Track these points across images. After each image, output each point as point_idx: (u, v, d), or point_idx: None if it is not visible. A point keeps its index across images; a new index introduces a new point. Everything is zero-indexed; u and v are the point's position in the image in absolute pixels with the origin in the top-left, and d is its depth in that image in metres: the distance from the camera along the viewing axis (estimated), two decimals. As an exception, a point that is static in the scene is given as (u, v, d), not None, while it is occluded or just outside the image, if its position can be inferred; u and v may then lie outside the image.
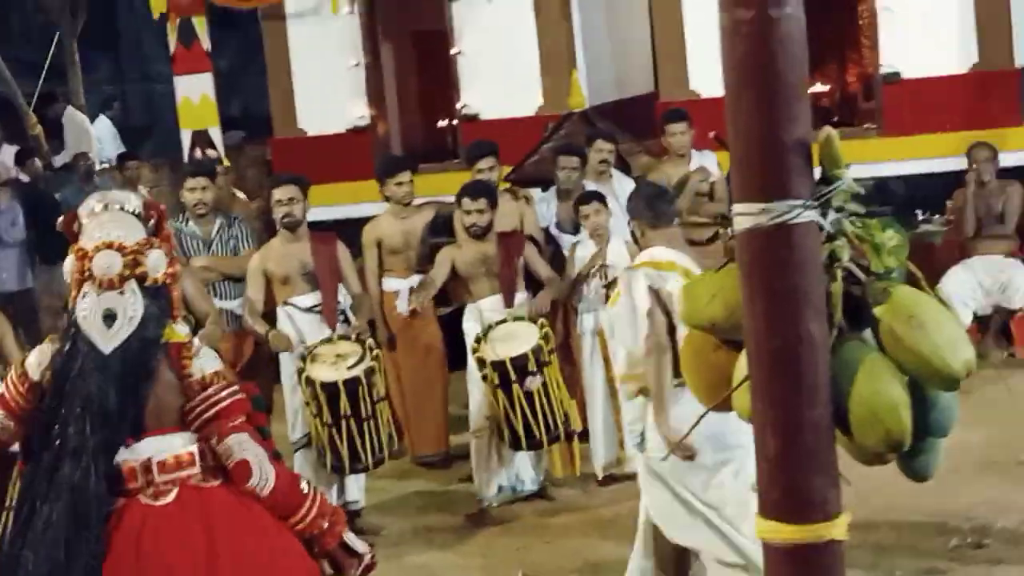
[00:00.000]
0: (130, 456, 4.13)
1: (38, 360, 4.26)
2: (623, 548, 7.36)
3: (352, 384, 7.68)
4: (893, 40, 11.72)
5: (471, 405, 8.44)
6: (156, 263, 4.23)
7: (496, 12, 12.46)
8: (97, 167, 14.32)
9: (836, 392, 3.02)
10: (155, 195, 14.09)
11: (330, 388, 7.67)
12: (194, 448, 4.20)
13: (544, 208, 9.59)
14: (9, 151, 15.18)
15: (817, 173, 3.07)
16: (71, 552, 3.93)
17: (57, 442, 4.06)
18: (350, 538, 4.41)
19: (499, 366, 7.87)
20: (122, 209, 4.30)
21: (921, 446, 3.17)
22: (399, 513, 8.59)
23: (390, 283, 9.42)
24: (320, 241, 8.45)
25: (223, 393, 4.24)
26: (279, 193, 8.29)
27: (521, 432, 7.93)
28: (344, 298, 8.45)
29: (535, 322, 8.13)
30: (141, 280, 4.19)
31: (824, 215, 3.01)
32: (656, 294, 5.69)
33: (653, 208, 6.02)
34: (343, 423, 7.70)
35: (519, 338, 8.02)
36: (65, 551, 3.93)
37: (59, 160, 15.46)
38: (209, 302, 8.00)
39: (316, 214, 12.70)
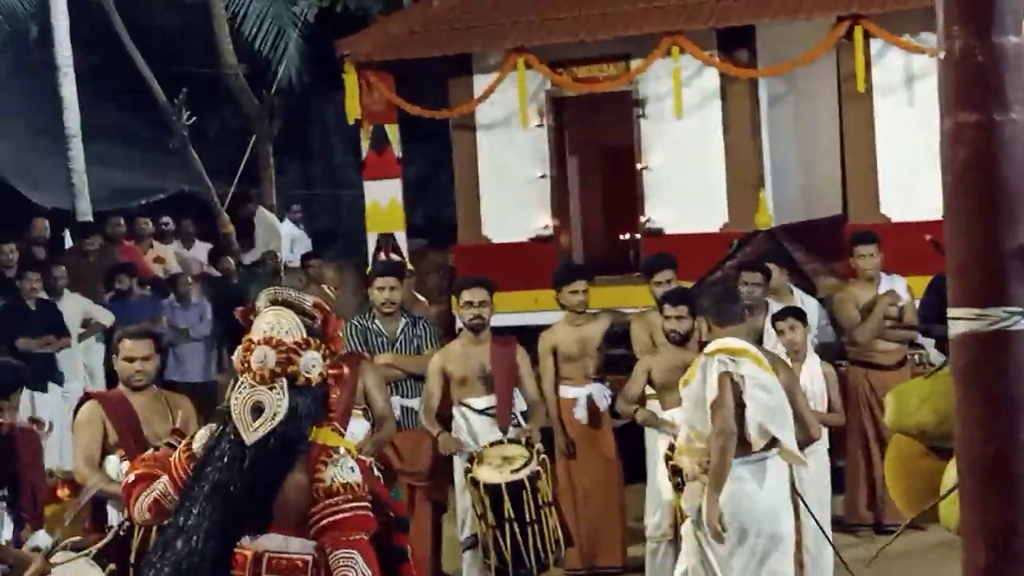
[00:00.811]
0: (247, 544, 4.15)
1: (201, 437, 4.34)
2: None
3: (516, 487, 7.67)
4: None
5: (653, 508, 8.31)
6: (310, 363, 4.24)
7: (684, 128, 12.50)
8: (283, 266, 14.68)
9: (1050, 506, 2.93)
10: (339, 295, 14.39)
11: (494, 490, 7.68)
12: (309, 557, 4.18)
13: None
14: (202, 248, 15.64)
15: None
16: None
17: (181, 519, 4.12)
18: None
19: (495, 489, 7.80)
20: (291, 306, 4.33)
21: None
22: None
23: (566, 390, 9.42)
24: (500, 344, 8.53)
25: (346, 504, 4.21)
26: (468, 295, 8.40)
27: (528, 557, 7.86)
28: (519, 402, 8.48)
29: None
30: (292, 378, 4.21)
31: (1043, 323, 2.95)
32: (729, 377, 6.29)
33: (719, 307, 6.68)
34: (506, 525, 7.69)
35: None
36: None
37: (248, 258, 15.88)
38: (387, 400, 8.07)
39: (497, 320, 12.91)
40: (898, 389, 3.27)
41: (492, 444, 8.04)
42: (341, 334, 4.53)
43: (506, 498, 7.65)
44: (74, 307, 12.42)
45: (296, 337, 4.25)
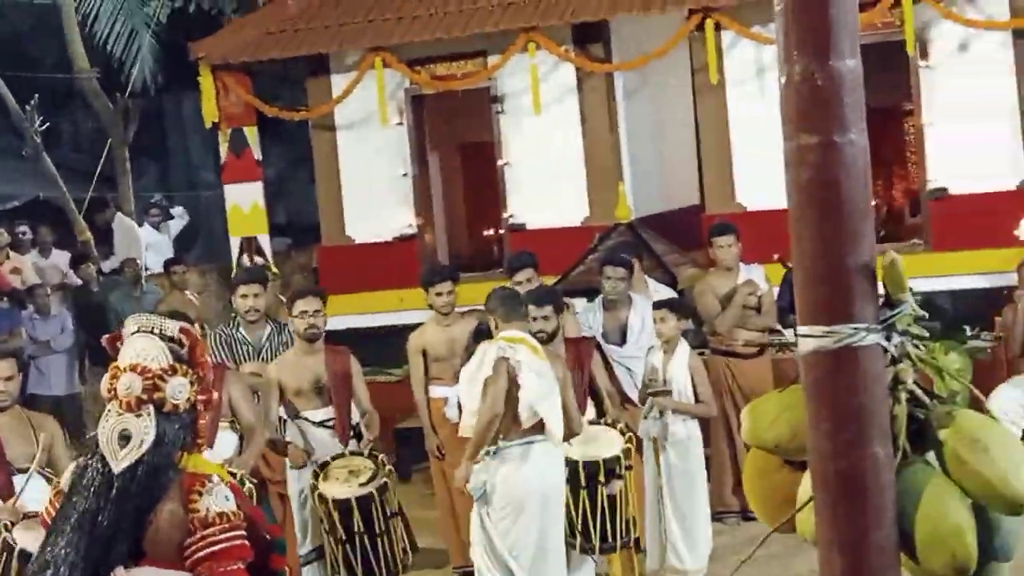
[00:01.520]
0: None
1: (70, 475, 4.30)
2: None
3: (365, 501, 7.63)
4: (939, 156, 11.78)
5: None
6: (176, 389, 4.19)
7: (543, 124, 12.59)
8: (144, 273, 14.47)
9: (901, 515, 3.02)
10: (202, 300, 14.25)
11: (343, 505, 7.63)
12: None
13: (591, 318, 9.61)
14: (60, 256, 15.36)
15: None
16: None
17: (48, 550, 4.07)
18: None
19: (590, 466, 7.82)
20: (156, 333, 4.28)
21: (985, 570, 3.17)
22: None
23: (436, 390, 9.41)
24: (334, 354, 8.42)
25: (222, 536, 4.16)
26: (304, 304, 8.27)
27: (596, 536, 7.87)
28: (355, 413, 8.42)
29: (614, 427, 8.10)
30: (160, 405, 4.17)
31: (888, 338, 3.04)
32: (506, 361, 7.20)
33: (504, 307, 7.55)
34: (356, 539, 7.65)
35: (603, 441, 7.98)
36: None
37: (108, 265, 15.63)
38: (253, 412, 7.97)
39: (362, 321, 12.92)
40: (752, 405, 3.35)
41: (335, 457, 7.98)
42: (209, 359, 4.47)
43: (356, 512, 7.61)
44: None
45: (163, 364, 4.19)
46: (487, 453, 7.32)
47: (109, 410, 4.17)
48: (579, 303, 9.93)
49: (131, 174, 17.68)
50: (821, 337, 2.96)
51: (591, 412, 8.38)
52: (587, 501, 7.84)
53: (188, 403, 4.21)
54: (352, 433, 8.29)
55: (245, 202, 13.67)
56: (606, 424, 8.16)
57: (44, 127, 16.94)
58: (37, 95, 16.93)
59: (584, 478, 7.82)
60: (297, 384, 8.27)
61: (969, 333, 11.09)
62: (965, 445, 3.09)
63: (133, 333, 4.28)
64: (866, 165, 3.01)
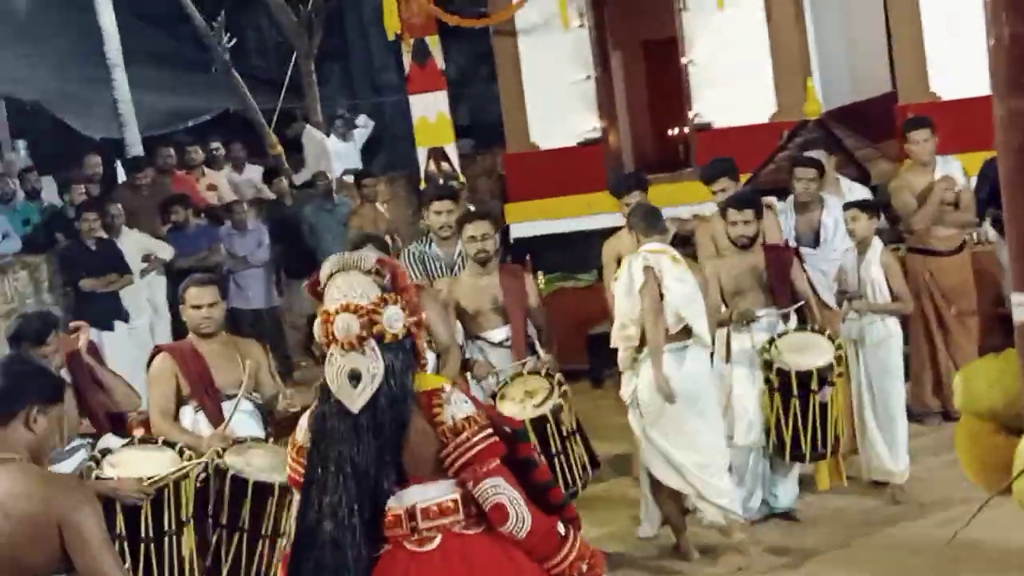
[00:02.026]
0: (395, 504, 4.23)
1: (302, 427, 4.40)
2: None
3: (540, 422, 7.63)
4: None
5: (740, 416, 8.30)
6: (392, 319, 4.24)
7: (727, 19, 12.40)
8: (335, 184, 14.67)
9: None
10: (391, 208, 14.42)
11: None
12: (456, 495, 4.26)
13: (783, 220, 9.47)
14: (253, 171, 15.66)
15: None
16: None
17: (318, 504, 4.19)
18: None
19: (802, 375, 7.82)
20: (357, 269, 4.33)
21: None
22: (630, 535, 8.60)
23: None
24: (510, 274, 8.44)
25: (476, 438, 4.25)
26: (472, 229, 8.25)
27: (807, 443, 7.88)
28: (532, 331, 8.45)
29: (823, 333, 8.05)
30: (380, 338, 4.22)
31: (1107, 303, 2.95)
32: (651, 270, 7.54)
33: (646, 222, 7.83)
34: None
35: (815, 348, 7.96)
36: None
37: (299, 179, 15.89)
38: (450, 329, 8.06)
39: (550, 227, 12.97)
40: (966, 372, 3.28)
41: (513, 377, 8.04)
42: (411, 282, 4.52)
43: (532, 433, 7.67)
44: (133, 244, 12.51)
45: (372, 298, 4.25)
46: (635, 360, 7.75)
47: (332, 353, 4.24)
48: (778, 203, 9.76)
49: (316, 84, 17.86)
50: (1037, 304, 2.88)
51: (793, 320, 8.33)
52: (798, 409, 7.83)
53: (405, 330, 4.26)
54: (530, 351, 8.35)
55: (431, 112, 13.76)
56: (812, 331, 8.10)
57: (231, 44, 17.18)
58: (223, 12, 17.17)
59: (796, 387, 7.81)
60: (475, 306, 8.32)
61: None
62: None
63: (333, 274, 4.32)
64: (1082, 126, 2.89)
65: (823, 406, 7.85)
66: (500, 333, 8.35)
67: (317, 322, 4.32)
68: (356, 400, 4.19)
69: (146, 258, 12.63)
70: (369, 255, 4.46)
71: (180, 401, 7.32)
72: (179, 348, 7.56)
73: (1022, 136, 2.90)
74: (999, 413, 3.16)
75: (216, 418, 7.15)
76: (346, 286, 4.26)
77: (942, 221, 9.79)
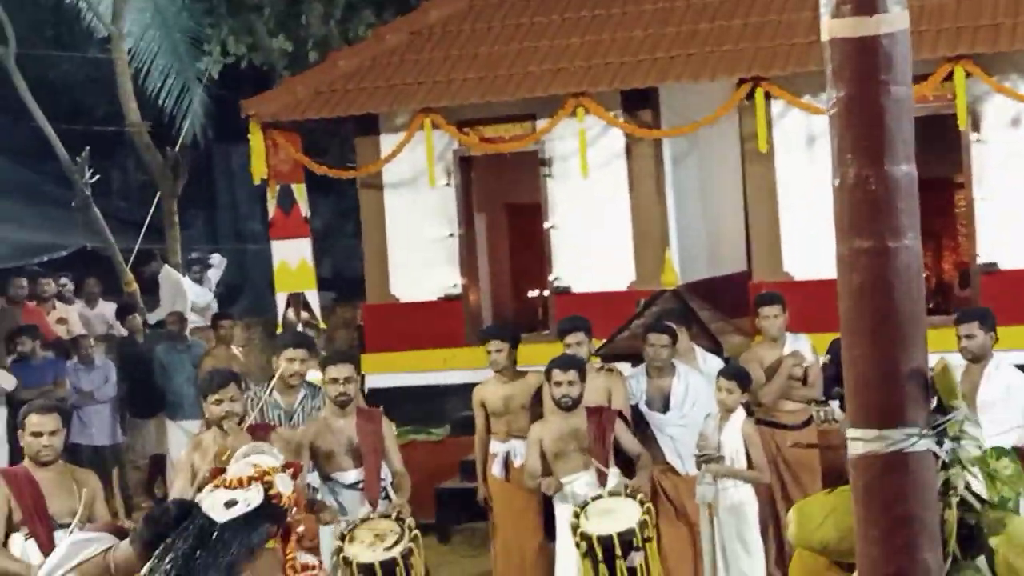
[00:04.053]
0: None
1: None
2: None
3: (389, 565, 7.60)
4: (990, 231, 11.72)
5: None
6: (283, 483, 4.47)
7: (591, 188, 12.62)
8: (189, 325, 14.53)
9: (950, 622, 3.00)
10: (245, 353, 14.29)
11: (367, 569, 7.61)
12: None
13: (634, 384, 9.60)
14: (106, 306, 15.48)
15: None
16: None
17: None
18: None
19: (605, 541, 7.82)
20: (270, 455, 4.64)
21: None
22: None
23: (491, 445, 9.64)
24: (366, 418, 8.46)
25: (320, 574, 4.35)
26: (335, 371, 8.32)
27: None
28: (386, 475, 8.44)
29: (634, 498, 8.10)
30: (267, 487, 4.40)
31: (940, 443, 3.01)
32: None
33: None
34: None
35: (621, 513, 7.99)
36: None
37: (153, 317, 15.72)
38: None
39: (406, 380, 12.95)
40: (799, 505, 3.33)
41: (363, 520, 7.99)
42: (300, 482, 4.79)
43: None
44: (-31, 374, 12.25)
45: (273, 464, 4.53)
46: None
47: (215, 487, 4.42)
48: (625, 368, 9.91)
49: (179, 226, 17.79)
50: (872, 441, 2.94)
51: (613, 480, 8.43)
52: (607, 574, 7.83)
53: (287, 501, 4.47)
54: (383, 495, 8.31)
55: (293, 258, 13.73)
56: (626, 495, 8.17)
57: (94, 180, 17.07)
58: (88, 148, 17.09)
59: (601, 551, 7.82)
60: (329, 446, 8.31)
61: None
62: (1016, 552, 3.06)
63: (244, 456, 4.60)
64: (919, 269, 2.99)
65: (631, 571, 7.85)
66: (353, 475, 8.32)
67: (204, 449, 4.50)
68: (224, 515, 4.32)
69: (-14, 386, 12.35)
70: (278, 455, 4.74)
71: (11, 528, 7.15)
72: (14, 473, 7.42)
73: (861, 276, 2.99)
74: (832, 548, 3.20)
75: (46, 546, 6.97)
76: (253, 457, 4.56)
77: (790, 395, 9.96)
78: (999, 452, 3.14)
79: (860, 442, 2.95)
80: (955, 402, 3.06)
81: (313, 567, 4.40)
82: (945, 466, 3.04)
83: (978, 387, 8.51)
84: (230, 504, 4.35)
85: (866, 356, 2.95)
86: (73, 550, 4.78)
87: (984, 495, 3.09)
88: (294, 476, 4.61)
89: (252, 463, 4.51)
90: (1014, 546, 3.06)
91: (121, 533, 4.74)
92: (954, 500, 3.06)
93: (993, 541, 3.08)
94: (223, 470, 4.57)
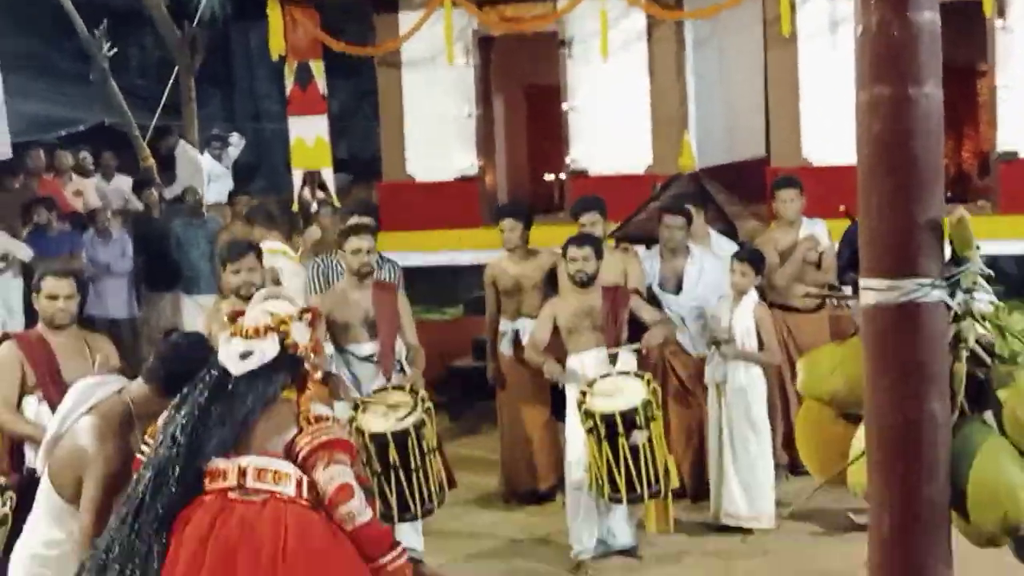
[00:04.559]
0: (225, 463, 4.19)
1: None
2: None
3: (401, 436, 7.66)
4: (1012, 119, 11.62)
5: (569, 457, 8.45)
6: (299, 332, 4.48)
7: (610, 70, 12.53)
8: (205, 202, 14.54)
9: (954, 472, 3.01)
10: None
11: (379, 439, 7.67)
12: (295, 473, 4.22)
13: (648, 266, 9.60)
14: (122, 180, 15.47)
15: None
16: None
17: (161, 438, 4.21)
18: None
19: (608, 419, 7.86)
20: (288, 300, 4.70)
21: (1038, 532, 3.14)
22: (487, 560, 8.61)
23: (501, 324, 9.69)
24: (382, 290, 8.47)
25: (335, 429, 4.38)
26: (358, 242, 8.31)
27: (623, 486, 7.92)
28: (401, 348, 8.48)
29: (641, 377, 8.14)
30: (283, 338, 4.43)
31: (952, 295, 3.01)
32: None
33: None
34: (392, 473, 7.69)
35: (626, 392, 8.02)
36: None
37: (169, 193, 15.72)
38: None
39: (419, 259, 12.96)
40: (810, 355, 3.33)
41: (376, 391, 8.04)
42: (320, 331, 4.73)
43: (392, 446, 7.66)
44: (-10, 242, 12.29)
45: (290, 311, 4.54)
46: None
47: (232, 338, 4.43)
48: (640, 251, 9.90)
49: (196, 103, 17.72)
50: (884, 291, 2.93)
51: (623, 361, 8.46)
52: (610, 453, 7.88)
53: (303, 347, 4.48)
54: (397, 368, 8.36)
55: (309, 135, 13.70)
56: (635, 375, 8.20)
57: (112, 53, 16.99)
58: (106, 21, 16.98)
59: (605, 430, 7.87)
60: (345, 318, 8.33)
61: (1033, 298, 11.01)
62: (1024, 406, 3.06)
63: (261, 301, 4.65)
64: (939, 120, 2.96)
65: (633, 449, 7.89)
66: (368, 347, 8.35)
67: (222, 318, 4.48)
68: (240, 367, 4.37)
69: (3, 258, 12.37)
70: (296, 302, 4.76)
71: (24, 391, 7.18)
72: (27, 337, 7.44)
73: (881, 123, 2.96)
74: (840, 399, 3.21)
75: (62, 409, 7.02)
76: (271, 303, 4.59)
77: (803, 279, 9.95)
78: (1012, 306, 3.13)
79: (872, 292, 2.95)
80: (969, 253, 3.05)
81: (327, 418, 4.36)
82: (957, 318, 3.04)
83: None
84: (245, 355, 4.36)
85: (882, 205, 2.94)
86: (86, 393, 4.81)
87: (995, 348, 3.10)
88: (311, 324, 4.57)
89: (268, 310, 4.49)
90: (1022, 399, 3.06)
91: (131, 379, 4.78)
92: (964, 353, 3.06)
93: (1001, 394, 3.09)
94: (240, 314, 4.56)
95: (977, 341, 3.09)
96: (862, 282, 2.97)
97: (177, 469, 4.13)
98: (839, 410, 3.28)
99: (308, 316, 4.58)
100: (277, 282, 9.77)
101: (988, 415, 3.13)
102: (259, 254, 7.98)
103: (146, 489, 4.12)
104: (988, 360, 3.13)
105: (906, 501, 2.96)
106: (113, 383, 4.81)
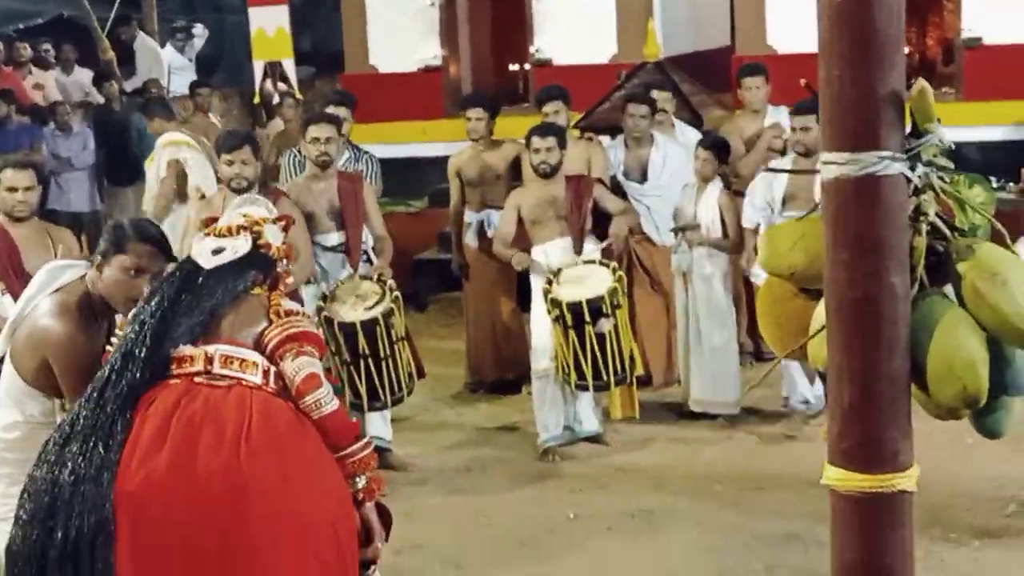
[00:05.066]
0: (193, 349, 4.19)
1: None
2: (675, 496, 7.46)
3: (370, 325, 7.68)
4: (976, 4, 11.58)
5: (534, 345, 8.49)
6: (272, 233, 4.48)
7: (574, -42, 12.41)
8: (168, 95, 14.38)
9: (914, 346, 3.01)
10: (225, 124, 14.18)
11: (348, 328, 7.68)
12: (262, 363, 4.21)
13: (612, 155, 9.58)
14: (82, 73, 15.27)
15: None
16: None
17: (129, 327, 4.22)
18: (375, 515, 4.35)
19: (574, 307, 7.89)
20: (263, 207, 4.66)
21: (996, 404, 3.17)
22: (454, 450, 8.66)
23: (466, 214, 9.71)
24: (347, 180, 8.42)
25: (304, 323, 4.35)
26: (316, 131, 8.23)
27: (589, 374, 7.96)
28: (368, 239, 8.46)
29: (607, 266, 8.15)
30: (256, 237, 4.43)
31: (912, 168, 2.99)
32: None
33: None
34: (361, 362, 7.72)
35: (592, 280, 8.04)
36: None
37: (130, 86, 15.53)
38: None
39: (384, 151, 12.87)
40: (770, 231, 3.33)
41: (344, 282, 8.04)
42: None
43: (361, 335, 7.68)
44: (-50, 136, 12.14)
45: (263, 215, 4.55)
46: None
47: (204, 236, 4.46)
48: (605, 141, 9.87)
49: (155, -6, 17.44)
50: (844, 164, 2.92)
51: (588, 250, 8.47)
52: (576, 341, 7.92)
53: (276, 251, 4.47)
54: (364, 258, 8.34)
55: (270, 25, 13.56)
56: (600, 263, 8.21)
57: (68, -58, 16.70)
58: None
59: (571, 318, 7.89)
60: (309, 209, 8.27)
61: (996, 184, 11.04)
62: (984, 278, 3.06)
63: (236, 207, 4.62)
64: (901, -8, 2.93)
65: (599, 337, 7.93)
66: (334, 237, 8.32)
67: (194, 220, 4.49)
68: (212, 261, 4.35)
69: (-38, 151, 12.24)
70: (271, 207, 4.73)
71: None
72: None
73: (843, -5, 2.93)
74: (799, 273, 3.21)
75: (24, 301, 6.98)
76: (244, 208, 4.58)
77: (769, 166, 9.92)
78: (972, 179, 3.12)
79: (833, 165, 2.93)
80: (930, 126, 3.03)
81: (297, 313, 4.35)
82: (917, 191, 3.03)
83: (813, 185, 8.06)
84: (217, 251, 4.36)
85: (843, 77, 2.91)
86: (52, 275, 4.79)
87: (954, 222, 3.10)
88: (285, 229, 4.58)
89: (243, 213, 4.49)
90: (981, 271, 3.06)
91: None
92: (924, 226, 3.06)
93: (961, 267, 3.08)
94: (215, 219, 4.55)
95: (937, 214, 3.09)
96: (822, 156, 2.95)
97: (144, 351, 4.12)
98: (799, 285, 3.28)
99: (282, 223, 4.59)
100: (183, 174, 9.85)
101: (948, 289, 3.14)
102: (255, 148, 7.88)
103: (112, 369, 4.11)
104: (948, 233, 3.13)
105: (866, 375, 2.97)
106: (80, 267, 4.78)
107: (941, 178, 3.10)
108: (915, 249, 3.05)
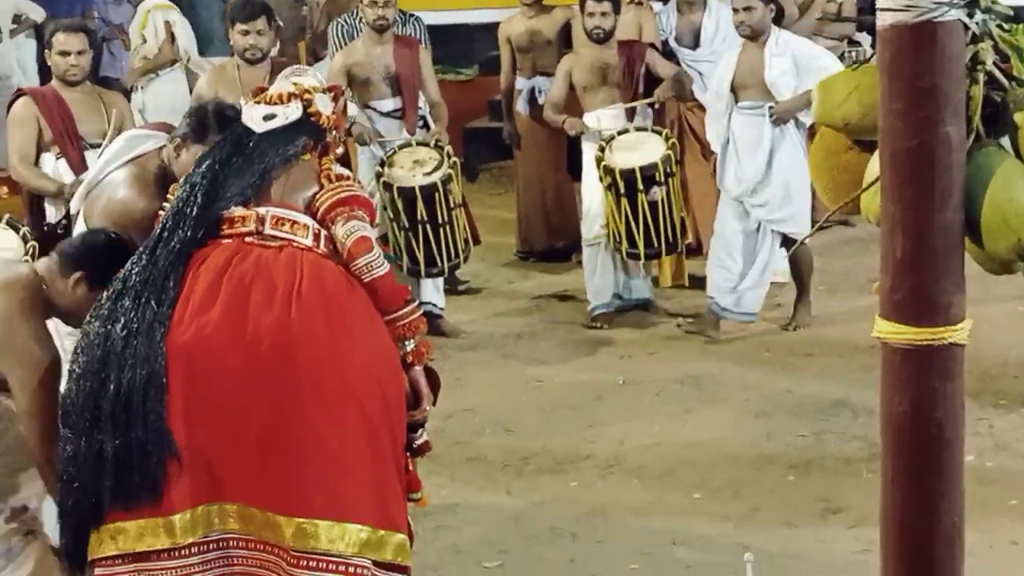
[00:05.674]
0: (244, 210, 4.21)
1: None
2: (723, 362, 7.49)
3: (429, 190, 7.71)
4: None
5: (585, 212, 8.48)
6: (323, 102, 4.44)
7: None
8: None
9: (968, 198, 2.97)
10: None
11: (407, 193, 7.71)
12: (313, 225, 4.22)
13: (664, 21, 9.47)
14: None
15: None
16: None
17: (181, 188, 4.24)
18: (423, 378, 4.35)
19: (627, 174, 7.86)
20: (313, 77, 4.61)
21: (1050, 258, 3.13)
22: (505, 317, 8.71)
23: (517, 81, 9.65)
24: (403, 45, 8.39)
25: (355, 187, 4.38)
26: None
27: (641, 242, 7.96)
28: (424, 104, 8.44)
29: (660, 133, 8.11)
30: (307, 105, 4.41)
31: (971, 15, 2.93)
32: None
33: None
34: (419, 228, 7.76)
35: (645, 148, 8.00)
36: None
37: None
38: None
39: (435, 18, 12.75)
40: (824, 82, 3.26)
41: (401, 147, 8.03)
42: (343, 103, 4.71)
43: (419, 201, 7.69)
44: (4, 3, 12.13)
45: (315, 83, 4.50)
46: None
47: (255, 103, 4.45)
48: (656, 4, 9.74)
49: None
50: (900, 11, 2.85)
51: (640, 117, 8.42)
52: (628, 208, 7.89)
53: (327, 118, 4.44)
54: (420, 124, 8.33)
55: None
56: (652, 130, 8.16)
57: None
58: None
59: (623, 186, 7.86)
60: (366, 74, 8.28)
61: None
62: (1041, 129, 3.01)
63: (286, 77, 4.58)
64: None
65: (652, 205, 7.90)
66: (390, 103, 8.34)
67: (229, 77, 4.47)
68: (263, 126, 4.35)
69: (16, 19, 12.25)
70: (322, 78, 4.71)
71: (41, 147, 7.22)
72: (42, 92, 7.48)
73: None
74: (854, 124, 3.16)
75: (78, 165, 7.06)
76: (296, 77, 4.53)
77: (822, 31, 9.81)
78: (1031, 28, 3.06)
79: (889, 12, 2.88)
80: (989, -26, 2.97)
81: (348, 178, 4.36)
82: (974, 39, 2.97)
83: (762, 68, 7.89)
84: (268, 117, 4.37)
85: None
86: (130, 144, 4.82)
87: (1012, 71, 3.04)
88: (335, 99, 4.57)
89: (293, 81, 4.49)
90: (1039, 122, 3.01)
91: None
92: (981, 75, 3.00)
93: (1018, 118, 3.03)
94: (264, 89, 4.54)
95: (995, 63, 3.03)
96: (878, 2, 2.90)
97: (195, 210, 4.14)
98: (853, 136, 3.24)
99: (333, 92, 4.57)
100: (172, 36, 9.87)
101: (1004, 140, 3.09)
102: (271, 17, 7.85)
103: (164, 228, 4.14)
104: (1006, 83, 3.08)
105: (919, 226, 2.93)
106: (159, 139, 4.80)
107: (1000, 26, 3.03)
108: (971, 99, 2.99)
